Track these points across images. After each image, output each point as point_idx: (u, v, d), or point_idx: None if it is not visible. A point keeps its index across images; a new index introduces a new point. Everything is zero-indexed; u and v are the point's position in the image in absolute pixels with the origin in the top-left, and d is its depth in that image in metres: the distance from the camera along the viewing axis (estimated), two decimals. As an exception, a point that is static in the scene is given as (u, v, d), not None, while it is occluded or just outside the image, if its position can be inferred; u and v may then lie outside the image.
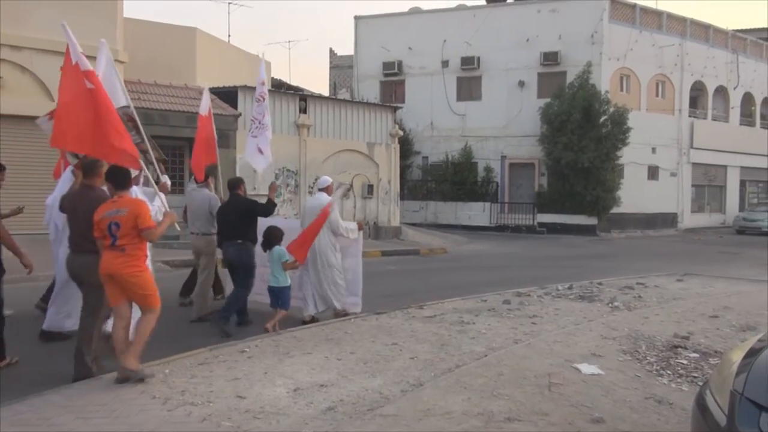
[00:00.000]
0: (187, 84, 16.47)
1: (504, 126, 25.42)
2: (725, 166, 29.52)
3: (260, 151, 7.90)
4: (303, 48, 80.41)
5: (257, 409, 4.11)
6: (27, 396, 4.26)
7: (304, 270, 7.05)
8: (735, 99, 29.56)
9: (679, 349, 5.72)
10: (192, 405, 4.15)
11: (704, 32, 27.86)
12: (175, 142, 15.04)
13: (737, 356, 3.04)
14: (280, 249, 6.54)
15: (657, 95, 26.38)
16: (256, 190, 12.89)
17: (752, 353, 2.96)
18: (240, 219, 6.74)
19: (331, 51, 34.32)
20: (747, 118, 30.76)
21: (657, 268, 12.27)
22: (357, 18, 28.02)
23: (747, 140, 29.80)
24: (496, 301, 8.05)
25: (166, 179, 6.11)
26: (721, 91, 29.12)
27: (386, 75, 27.36)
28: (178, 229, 6.15)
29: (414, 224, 22.41)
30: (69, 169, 6.28)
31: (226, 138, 16.19)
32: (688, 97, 27.44)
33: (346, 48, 31.78)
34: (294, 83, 27.28)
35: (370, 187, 18.68)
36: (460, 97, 26.33)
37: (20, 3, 13.53)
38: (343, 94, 27.80)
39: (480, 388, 4.53)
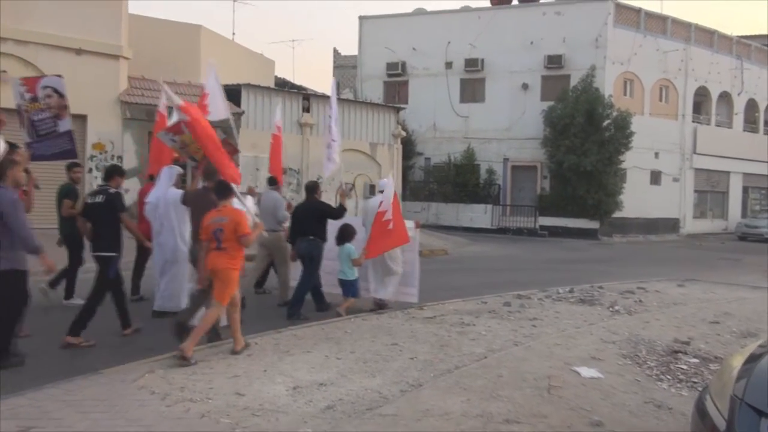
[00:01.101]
0: (190, 81, 16.50)
1: (507, 128, 25.41)
2: (728, 172, 29.48)
3: (328, 158, 8.40)
4: (307, 47, 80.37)
5: (256, 406, 4.11)
6: (26, 389, 4.27)
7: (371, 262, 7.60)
8: (739, 105, 29.51)
9: (680, 354, 5.71)
10: (191, 401, 4.15)
11: (709, 38, 27.83)
12: (178, 139, 15.04)
13: (737, 362, 3.03)
14: (350, 247, 7.25)
15: (660, 100, 26.35)
16: (259, 187, 12.87)
17: (753, 359, 2.96)
18: (313, 219, 7.43)
19: (335, 51, 34.26)
20: (750, 124, 30.70)
21: (658, 273, 12.26)
22: (361, 18, 28.02)
23: (750, 147, 29.75)
24: (497, 303, 8.06)
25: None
26: (725, 97, 29.07)
27: (390, 75, 27.36)
28: (265, 235, 6.93)
29: (415, 225, 22.37)
30: (166, 169, 7.15)
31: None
32: (691, 102, 27.39)
33: (350, 48, 31.79)
34: (298, 82, 27.28)
35: (372, 187, 18.69)
36: (464, 98, 26.31)
37: (25, -2, 13.56)
38: (347, 94, 27.79)
39: (479, 390, 4.52)
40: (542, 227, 23.55)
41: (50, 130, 6.45)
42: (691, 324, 7.19)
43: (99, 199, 6.13)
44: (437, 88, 26.38)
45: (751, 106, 30.38)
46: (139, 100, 15.72)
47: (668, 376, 5.08)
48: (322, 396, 4.34)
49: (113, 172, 6.52)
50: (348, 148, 18.60)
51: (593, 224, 23.34)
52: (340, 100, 21.52)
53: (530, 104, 24.79)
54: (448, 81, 26.28)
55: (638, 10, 25.17)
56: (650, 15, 25.62)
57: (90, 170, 14.28)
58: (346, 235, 7.25)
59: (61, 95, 6.67)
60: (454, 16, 26.71)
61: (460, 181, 25.11)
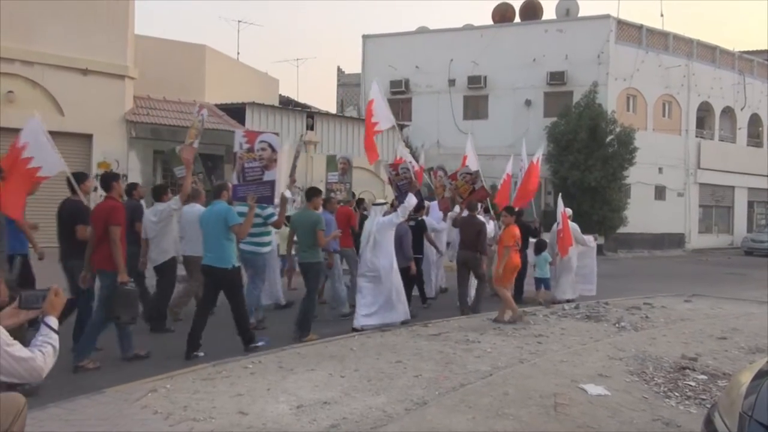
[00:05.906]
0: (196, 100, 16.63)
1: (510, 144, 25.38)
2: (732, 187, 29.40)
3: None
4: (311, 66, 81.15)
5: (260, 425, 4.08)
6: (29, 409, 4.24)
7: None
8: (742, 120, 29.52)
9: (687, 371, 5.65)
10: (194, 421, 4.12)
11: (711, 53, 27.94)
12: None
13: (746, 378, 2.99)
14: (546, 254, 9.71)
15: (663, 115, 26.39)
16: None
17: (761, 375, 2.92)
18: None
19: (339, 69, 34.53)
20: (754, 139, 30.67)
21: (664, 289, 12.18)
22: (365, 37, 28.26)
23: (754, 161, 29.68)
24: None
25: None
26: (728, 112, 29.10)
27: (393, 93, 27.48)
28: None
29: (420, 242, 22.31)
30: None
31: (233, 155, 16.28)
32: (694, 117, 27.41)
33: (353, 66, 32.01)
34: (302, 100, 27.50)
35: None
36: (467, 115, 26.41)
37: (32, 19, 13.75)
38: (350, 112, 27.94)
39: (485, 408, 4.48)
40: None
41: (256, 177, 7.20)
42: (699, 340, 7.12)
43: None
44: (440, 106, 26.50)
45: (755, 120, 30.38)
46: (144, 119, 15.85)
47: (676, 393, 5.02)
48: (326, 415, 4.30)
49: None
50: (352, 166, 18.66)
51: (598, 240, 23.19)
52: (342, 117, 21.64)
53: (533, 120, 24.85)
54: (452, 98, 26.42)
55: (640, 27, 25.32)
56: (652, 31, 25.75)
57: (95, 189, 14.33)
58: (541, 247, 9.81)
59: (273, 150, 7.27)
60: (457, 34, 26.91)
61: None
